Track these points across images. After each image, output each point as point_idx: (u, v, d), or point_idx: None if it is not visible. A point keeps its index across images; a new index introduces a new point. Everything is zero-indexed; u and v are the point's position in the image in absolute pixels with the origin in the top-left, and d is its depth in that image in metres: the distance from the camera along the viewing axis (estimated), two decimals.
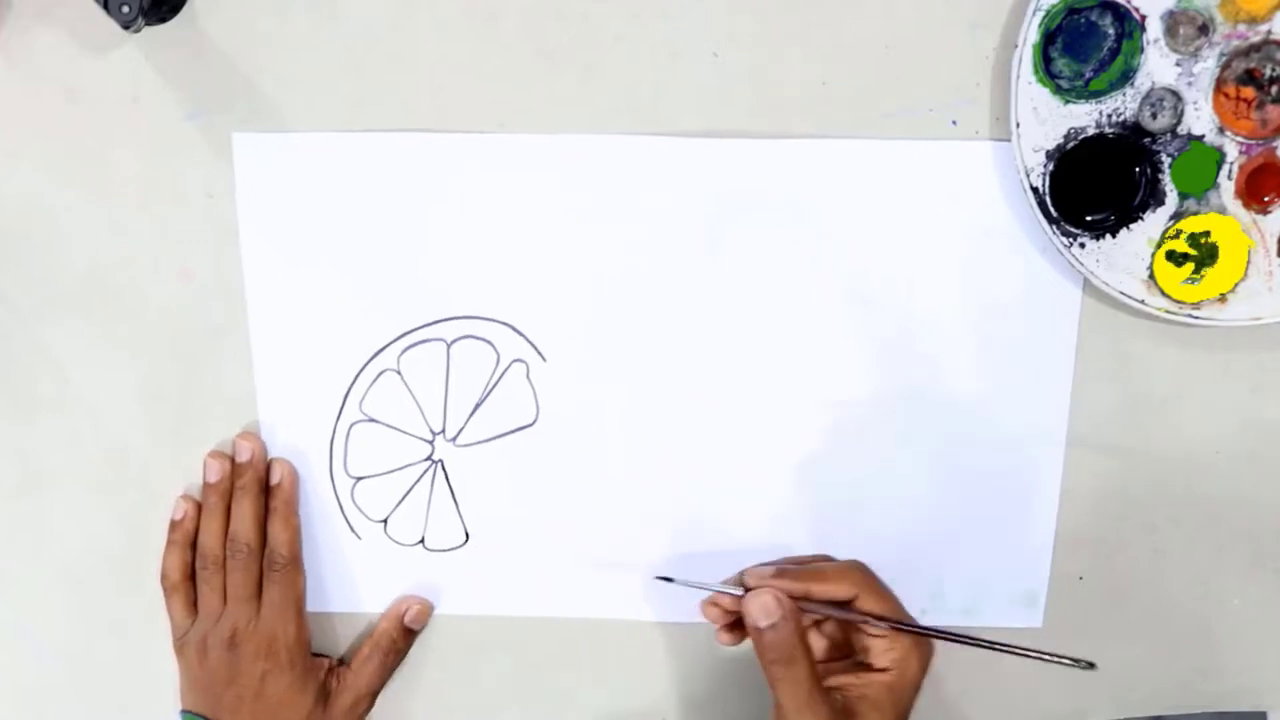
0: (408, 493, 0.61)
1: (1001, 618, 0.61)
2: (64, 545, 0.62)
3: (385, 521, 0.61)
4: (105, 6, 0.52)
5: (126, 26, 0.52)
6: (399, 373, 0.59)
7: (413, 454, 0.60)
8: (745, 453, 0.60)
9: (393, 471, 0.61)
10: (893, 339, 0.58)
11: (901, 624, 0.52)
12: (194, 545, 0.61)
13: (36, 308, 0.59)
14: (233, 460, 0.60)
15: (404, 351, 0.59)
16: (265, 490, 0.60)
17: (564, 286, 0.58)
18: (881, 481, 0.60)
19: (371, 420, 0.60)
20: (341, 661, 0.62)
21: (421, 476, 0.61)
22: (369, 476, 0.61)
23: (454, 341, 0.59)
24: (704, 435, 0.59)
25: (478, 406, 0.60)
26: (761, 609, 0.52)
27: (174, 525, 0.61)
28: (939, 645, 0.54)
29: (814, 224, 0.57)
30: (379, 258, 0.58)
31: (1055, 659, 0.52)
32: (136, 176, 0.58)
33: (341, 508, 0.61)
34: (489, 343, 0.59)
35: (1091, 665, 0.52)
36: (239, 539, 0.59)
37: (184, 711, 0.60)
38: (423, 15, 0.56)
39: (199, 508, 0.61)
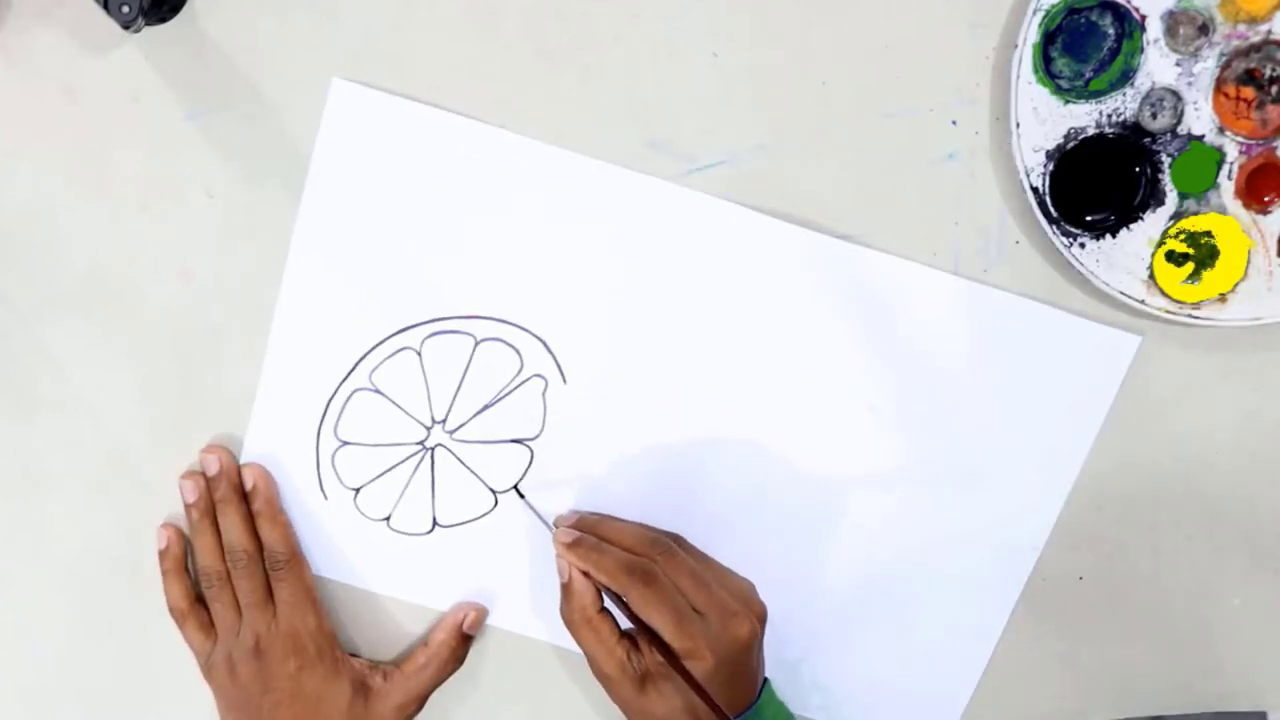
0: (389, 470, 0.60)
1: None
2: (64, 545, 0.62)
3: (357, 491, 0.61)
4: (105, 6, 0.52)
5: (126, 26, 0.52)
6: (419, 354, 0.59)
7: (407, 434, 0.60)
8: (739, 513, 0.60)
9: (381, 445, 0.60)
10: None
11: (659, 644, 0.53)
12: (188, 569, 0.61)
13: (36, 308, 0.59)
14: (205, 477, 0.60)
15: (430, 335, 0.59)
16: (244, 496, 0.60)
17: (605, 318, 0.58)
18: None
19: (376, 391, 0.60)
20: (376, 664, 0.62)
21: (408, 458, 0.60)
22: (356, 444, 0.60)
23: (482, 340, 0.59)
24: (701, 489, 0.60)
25: (486, 407, 0.60)
26: (558, 567, 0.56)
27: (162, 555, 0.61)
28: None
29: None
30: (433, 239, 0.58)
31: None
32: (136, 176, 0.58)
33: (318, 466, 0.61)
34: (516, 351, 0.59)
35: None
36: (235, 548, 0.59)
37: None
38: (423, 15, 0.56)
39: (180, 533, 0.61)
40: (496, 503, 0.61)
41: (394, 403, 0.60)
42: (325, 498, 0.61)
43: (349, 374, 0.59)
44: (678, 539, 0.58)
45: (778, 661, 0.61)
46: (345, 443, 0.60)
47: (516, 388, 0.59)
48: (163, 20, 0.56)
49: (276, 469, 0.60)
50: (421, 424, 0.60)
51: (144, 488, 0.61)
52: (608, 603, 0.56)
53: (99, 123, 0.57)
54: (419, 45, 0.56)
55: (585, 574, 0.55)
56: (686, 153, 0.57)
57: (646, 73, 0.56)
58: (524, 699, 0.63)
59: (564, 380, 0.59)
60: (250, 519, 0.60)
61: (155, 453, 0.61)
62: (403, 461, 0.60)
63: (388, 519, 0.61)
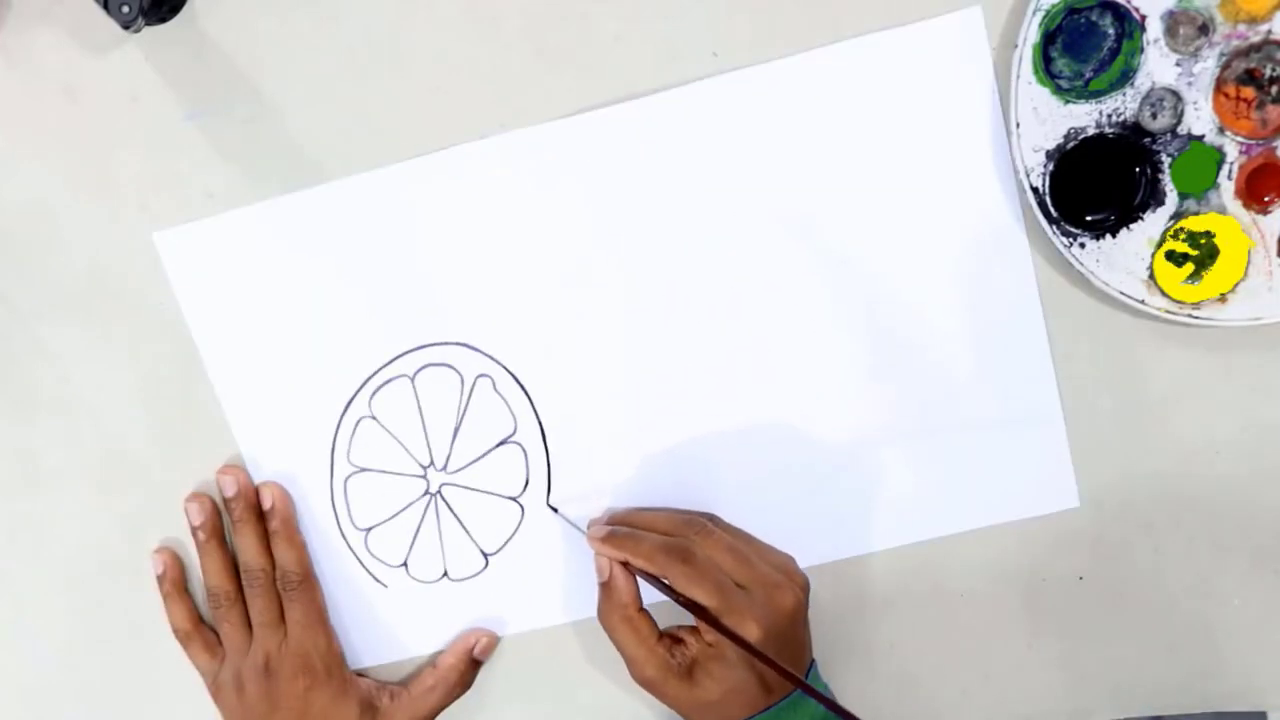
0: (418, 531, 0.61)
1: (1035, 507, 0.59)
2: (64, 545, 0.62)
3: (405, 564, 0.61)
4: (105, 6, 0.52)
5: (126, 26, 0.52)
6: (374, 418, 0.60)
7: (410, 492, 0.61)
8: (716, 430, 0.59)
9: (397, 514, 0.61)
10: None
11: (704, 620, 0.53)
12: (188, 589, 0.61)
13: (36, 308, 0.59)
14: (211, 499, 0.60)
15: (373, 396, 0.60)
16: (260, 516, 0.60)
17: (506, 295, 0.58)
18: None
19: (363, 470, 0.60)
20: (383, 684, 0.62)
21: (425, 511, 0.61)
22: (377, 525, 0.61)
23: (416, 373, 0.59)
24: (675, 409, 0.59)
25: (457, 430, 0.60)
26: (596, 567, 0.56)
27: (160, 580, 0.61)
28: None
29: (773, 166, 0.56)
30: (323, 312, 0.59)
31: None
32: (136, 176, 0.58)
33: (360, 561, 0.61)
34: (450, 366, 0.59)
35: None
36: (253, 567, 0.59)
37: None
38: (423, 15, 0.56)
39: (175, 555, 0.61)
40: (523, 512, 0.61)
41: (383, 471, 0.60)
42: (385, 586, 0.62)
43: (332, 468, 0.60)
44: (712, 518, 0.58)
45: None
46: (367, 529, 0.61)
47: (470, 397, 0.59)
48: (163, 20, 0.56)
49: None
50: (417, 476, 0.60)
51: (144, 487, 0.61)
52: (646, 602, 0.56)
53: (99, 123, 0.57)
54: (419, 45, 0.56)
55: (625, 566, 0.55)
56: None
57: (646, 73, 0.56)
58: (526, 698, 0.63)
59: (505, 369, 0.59)
60: (265, 537, 0.60)
61: (155, 452, 0.61)
62: (424, 517, 0.61)
63: (445, 574, 0.61)
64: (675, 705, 0.56)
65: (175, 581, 0.61)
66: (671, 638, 0.56)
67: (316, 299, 0.59)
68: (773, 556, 0.57)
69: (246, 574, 0.60)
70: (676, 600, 0.54)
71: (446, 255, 0.58)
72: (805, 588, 0.56)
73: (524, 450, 0.60)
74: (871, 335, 0.58)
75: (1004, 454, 0.59)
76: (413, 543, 0.61)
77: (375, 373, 0.59)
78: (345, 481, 0.60)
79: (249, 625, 0.60)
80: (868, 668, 0.62)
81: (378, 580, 0.61)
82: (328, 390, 0.60)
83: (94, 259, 0.59)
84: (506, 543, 0.61)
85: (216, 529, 0.60)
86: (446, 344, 0.59)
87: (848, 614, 0.61)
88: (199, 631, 0.61)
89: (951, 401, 0.58)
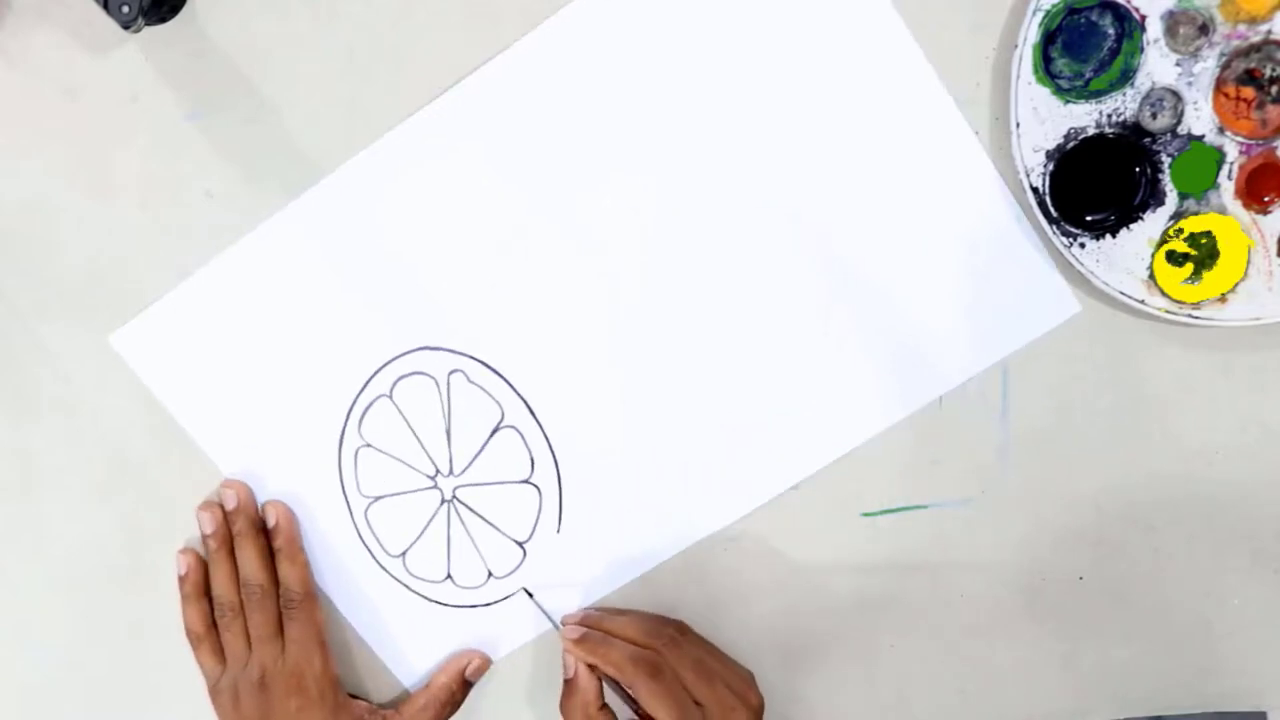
0: (449, 541, 0.61)
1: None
2: (64, 545, 0.62)
3: (450, 577, 0.62)
4: (105, 6, 0.52)
5: (126, 26, 0.52)
6: (370, 445, 0.60)
7: (428, 506, 0.61)
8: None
9: (424, 531, 0.61)
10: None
11: None
12: (209, 594, 0.61)
13: (36, 308, 0.60)
14: (222, 508, 0.60)
15: (360, 423, 0.60)
16: (264, 530, 0.60)
17: (449, 288, 0.58)
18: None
19: (377, 498, 0.61)
20: (379, 706, 0.62)
21: (450, 520, 0.61)
22: (409, 547, 0.61)
23: (393, 389, 0.59)
24: (650, 352, 0.58)
25: (449, 432, 0.60)
26: (563, 661, 0.57)
27: (182, 581, 0.61)
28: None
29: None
30: (288, 359, 0.59)
31: None
32: (136, 176, 0.58)
33: (407, 586, 0.62)
34: (421, 373, 0.59)
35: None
36: (250, 582, 0.60)
37: None
38: (423, 15, 0.56)
39: (199, 559, 0.61)
40: (540, 493, 0.60)
41: (399, 494, 0.61)
42: (444, 605, 0.62)
43: (348, 504, 0.61)
44: (681, 627, 0.59)
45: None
46: (403, 554, 0.61)
47: (450, 395, 0.59)
48: (163, 20, 0.56)
49: None
50: (428, 489, 0.60)
51: (144, 487, 0.61)
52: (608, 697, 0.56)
53: (99, 123, 0.57)
54: (419, 45, 0.56)
55: (591, 668, 0.56)
56: None
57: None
58: (532, 690, 0.63)
59: (474, 359, 0.59)
60: (267, 553, 0.60)
61: (155, 452, 0.61)
62: (450, 526, 0.61)
63: (490, 574, 0.61)
64: None
65: (196, 585, 0.61)
66: None
67: (278, 348, 0.59)
68: (732, 675, 0.57)
69: (245, 588, 0.60)
70: (636, 712, 0.55)
71: (383, 269, 0.58)
72: (758, 710, 0.57)
73: (519, 432, 0.60)
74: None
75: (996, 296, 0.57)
76: (449, 553, 0.61)
77: (355, 401, 0.60)
78: (365, 514, 0.61)
79: (250, 637, 0.60)
80: (868, 668, 0.62)
81: (430, 600, 0.62)
82: (317, 431, 0.60)
83: (94, 259, 0.59)
84: (535, 528, 0.61)
85: (226, 539, 0.60)
86: (410, 352, 0.59)
87: (848, 614, 0.61)
88: (209, 636, 0.61)
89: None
